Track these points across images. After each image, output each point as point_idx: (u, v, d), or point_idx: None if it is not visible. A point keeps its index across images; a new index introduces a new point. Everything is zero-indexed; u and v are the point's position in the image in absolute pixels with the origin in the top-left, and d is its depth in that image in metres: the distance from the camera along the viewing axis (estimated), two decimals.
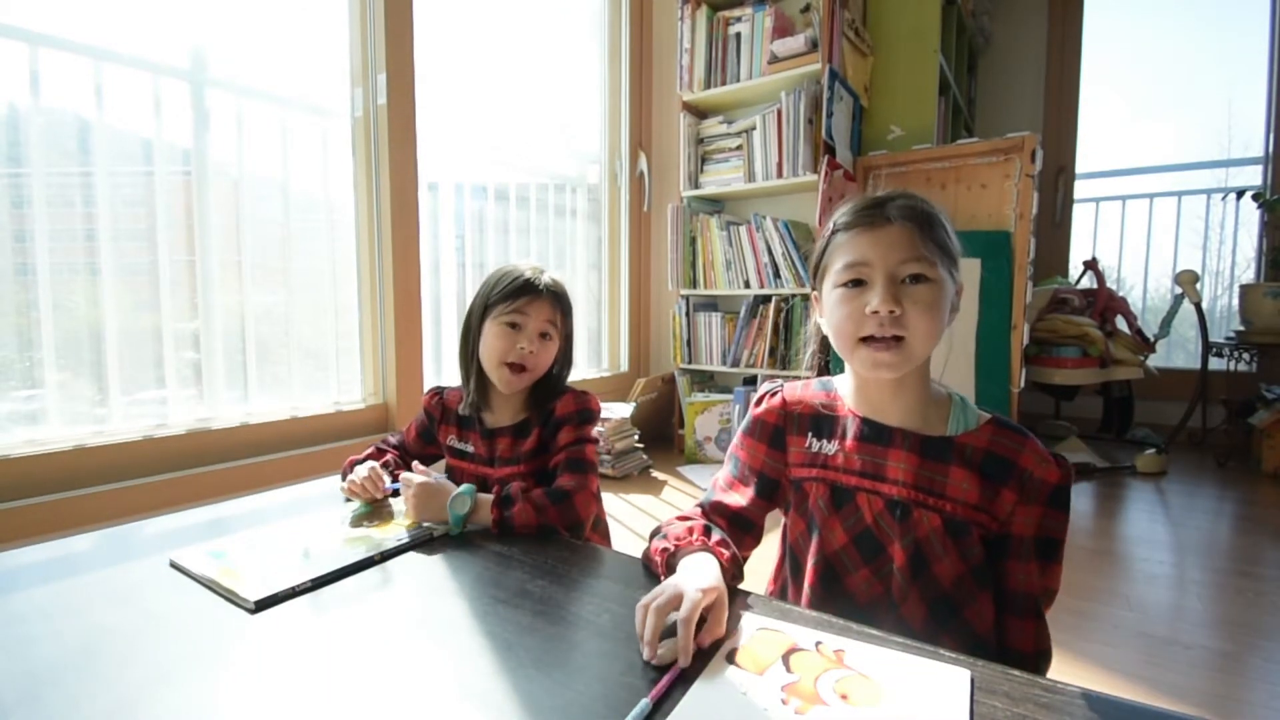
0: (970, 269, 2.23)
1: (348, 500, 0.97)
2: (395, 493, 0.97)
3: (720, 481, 0.80)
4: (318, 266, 1.86)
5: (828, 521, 0.72)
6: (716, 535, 0.70)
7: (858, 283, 0.67)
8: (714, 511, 0.78)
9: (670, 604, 0.57)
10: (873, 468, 0.69)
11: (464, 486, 0.86)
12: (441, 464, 1.12)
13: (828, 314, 0.71)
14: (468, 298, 2.39)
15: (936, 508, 0.65)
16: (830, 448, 0.72)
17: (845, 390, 0.74)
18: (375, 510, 0.94)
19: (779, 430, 0.76)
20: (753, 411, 0.79)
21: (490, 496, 0.87)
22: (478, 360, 1.00)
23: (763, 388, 0.80)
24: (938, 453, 0.66)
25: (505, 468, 1.00)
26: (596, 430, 2.09)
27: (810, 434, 0.74)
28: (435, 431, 1.10)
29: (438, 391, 1.11)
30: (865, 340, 0.66)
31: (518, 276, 0.97)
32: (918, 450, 0.67)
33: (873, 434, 0.70)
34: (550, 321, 0.98)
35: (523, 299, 0.96)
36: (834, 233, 0.71)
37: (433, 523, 0.86)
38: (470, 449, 1.04)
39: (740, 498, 0.77)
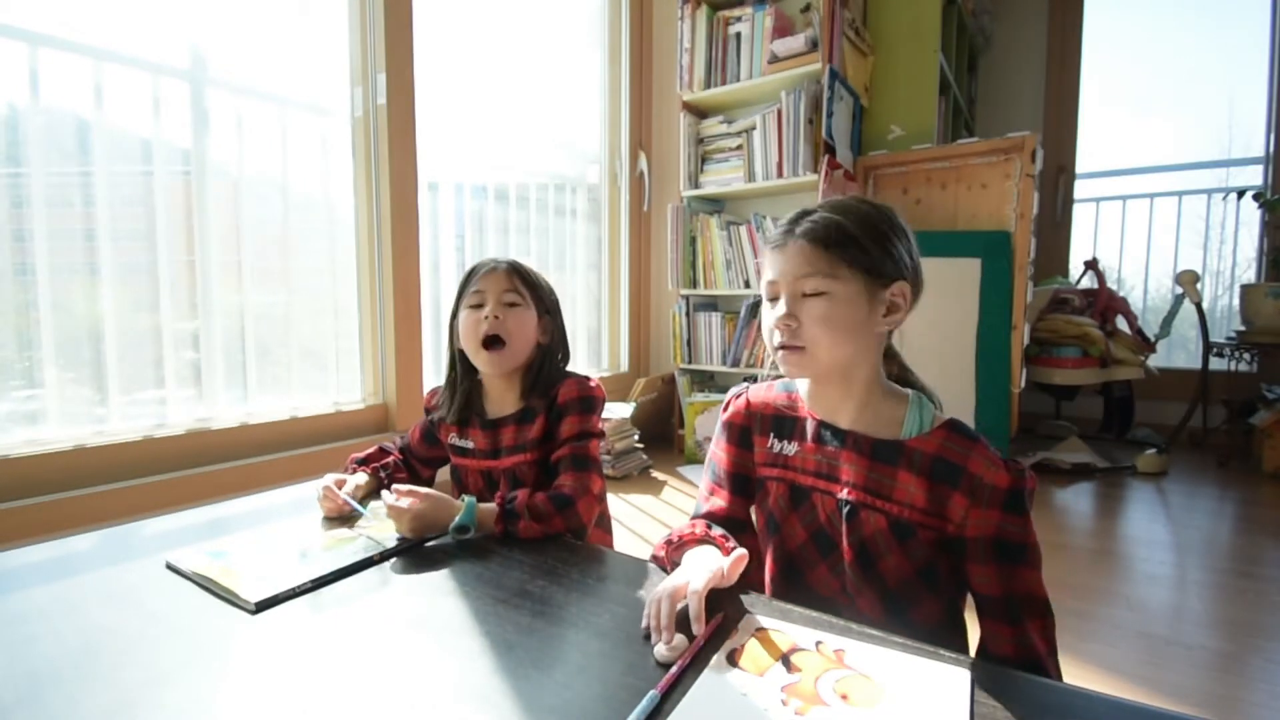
0: (970, 269, 2.23)
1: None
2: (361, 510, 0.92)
3: (704, 489, 0.84)
4: (317, 266, 1.86)
5: (787, 519, 0.75)
6: (718, 530, 0.73)
7: (774, 298, 0.72)
8: (705, 520, 0.80)
9: (680, 591, 0.61)
10: (827, 468, 0.72)
11: (464, 510, 0.82)
12: (446, 467, 1.11)
13: (761, 322, 0.76)
14: None
15: (883, 509, 0.68)
16: (790, 448, 0.76)
17: (804, 391, 0.77)
18: (373, 513, 0.93)
19: (745, 430, 0.80)
20: (722, 416, 0.83)
21: (491, 507, 0.85)
22: (463, 358, 1.01)
23: (730, 392, 0.84)
24: (887, 456, 0.68)
25: (511, 457, 0.99)
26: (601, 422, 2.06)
27: (772, 434, 0.78)
28: (437, 432, 1.09)
29: (437, 391, 1.10)
30: (779, 346, 0.71)
31: (473, 265, 1.01)
32: (868, 453, 0.69)
33: (827, 436, 0.73)
34: (511, 290, 0.98)
35: (476, 278, 0.98)
36: (763, 249, 0.76)
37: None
38: (471, 445, 1.03)
39: (723, 501, 0.80)
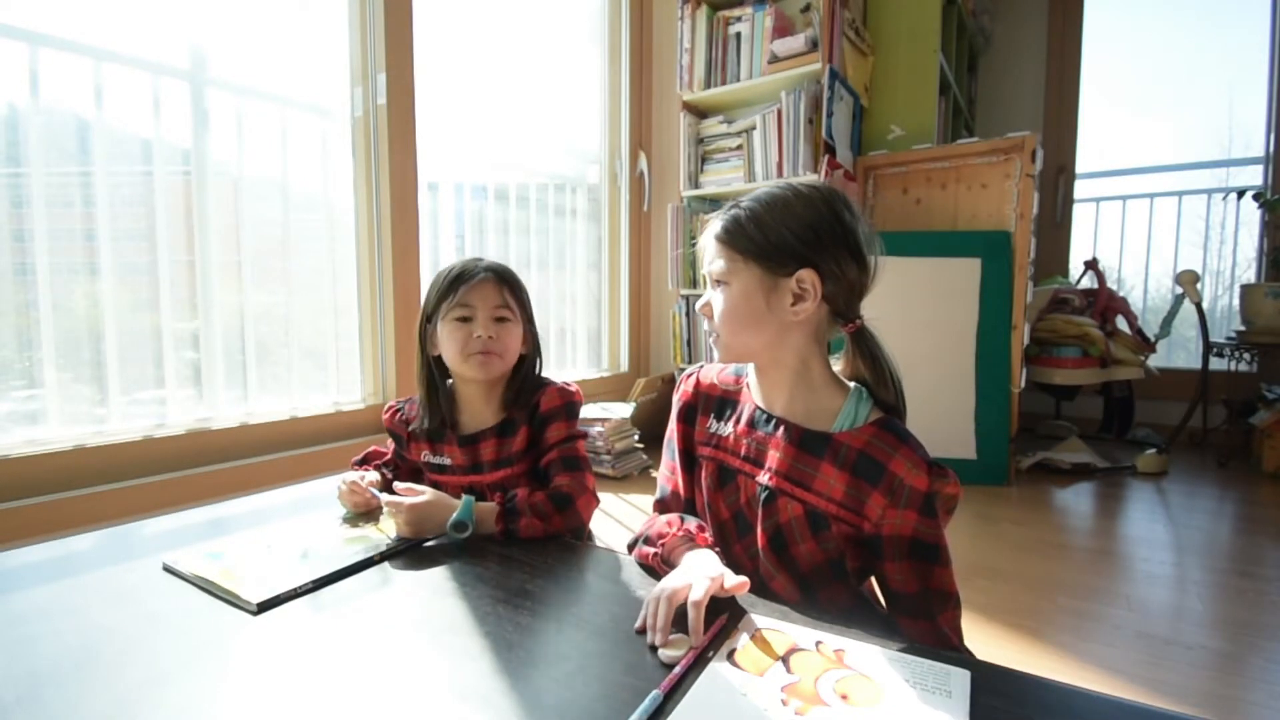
0: (970, 269, 2.23)
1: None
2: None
3: (664, 469, 0.86)
4: (317, 266, 1.86)
5: (714, 497, 0.77)
6: (692, 522, 0.75)
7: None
8: (671, 505, 0.83)
9: (679, 595, 0.60)
10: (755, 453, 0.73)
11: (461, 507, 0.83)
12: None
13: None
14: None
15: (801, 499, 0.68)
16: (725, 429, 0.77)
17: (750, 377, 0.78)
18: (369, 512, 0.94)
19: (692, 408, 0.83)
20: (675, 395, 0.85)
21: (491, 506, 0.85)
22: (440, 369, 0.98)
23: (684, 371, 0.87)
24: (813, 447, 0.69)
25: (498, 471, 0.96)
26: (594, 429, 2.06)
27: (713, 414, 0.80)
28: (405, 450, 1.05)
29: (397, 409, 1.05)
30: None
31: (452, 270, 0.95)
32: (796, 442, 0.70)
33: (760, 421, 0.74)
34: (500, 305, 0.94)
35: (462, 288, 0.92)
36: None
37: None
38: (448, 461, 0.99)
39: (680, 481, 0.83)
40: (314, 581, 0.70)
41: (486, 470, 0.97)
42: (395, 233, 1.91)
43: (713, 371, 0.83)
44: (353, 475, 0.96)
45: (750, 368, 0.78)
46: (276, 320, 1.77)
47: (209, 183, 1.60)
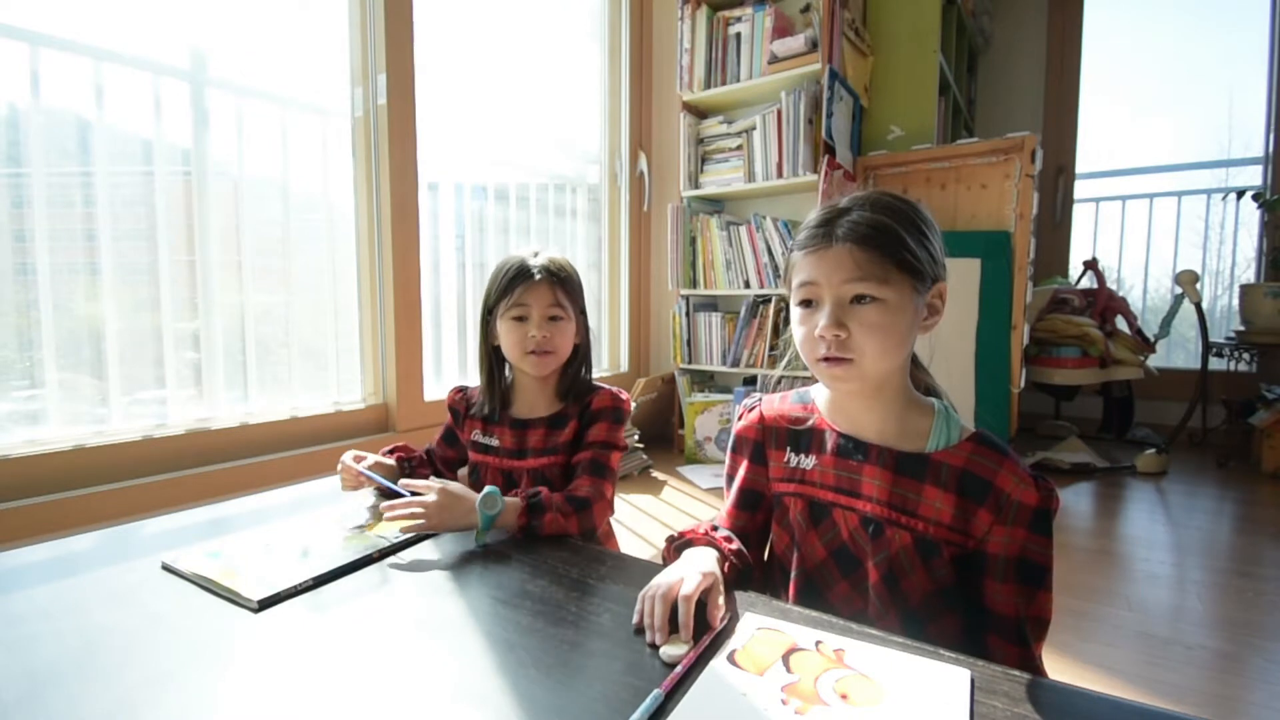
0: (970, 269, 2.23)
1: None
2: (392, 493, 0.94)
3: (723, 509, 0.82)
4: (318, 266, 1.86)
5: (806, 536, 0.72)
6: (724, 532, 0.73)
7: (811, 303, 0.67)
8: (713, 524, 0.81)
9: (672, 591, 0.60)
10: (849, 483, 0.69)
11: (489, 488, 0.84)
12: (463, 469, 1.12)
13: (792, 329, 0.72)
14: (468, 297, 2.38)
15: (909, 526, 0.65)
16: (808, 462, 0.72)
17: (822, 402, 0.74)
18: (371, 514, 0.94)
19: (759, 445, 0.77)
20: (734, 428, 0.81)
21: (515, 501, 0.85)
22: (499, 357, 1.03)
23: (743, 402, 0.82)
24: (912, 470, 0.65)
25: (540, 458, 1.00)
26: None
27: (789, 448, 0.75)
28: (459, 428, 1.10)
29: (461, 389, 1.12)
30: (824, 358, 0.66)
31: (510, 268, 0.98)
32: (892, 467, 0.66)
33: (849, 449, 0.69)
34: (554, 304, 0.97)
35: (518, 289, 0.96)
36: (792, 251, 0.71)
37: (455, 531, 0.84)
38: (495, 443, 1.04)
39: (734, 514, 0.79)
40: (314, 579, 0.70)
41: (530, 456, 1.01)
42: (395, 233, 1.91)
43: (774, 401, 0.78)
44: (349, 457, 1.00)
45: (819, 392, 0.74)
46: (276, 320, 1.77)
47: (209, 183, 1.60)
